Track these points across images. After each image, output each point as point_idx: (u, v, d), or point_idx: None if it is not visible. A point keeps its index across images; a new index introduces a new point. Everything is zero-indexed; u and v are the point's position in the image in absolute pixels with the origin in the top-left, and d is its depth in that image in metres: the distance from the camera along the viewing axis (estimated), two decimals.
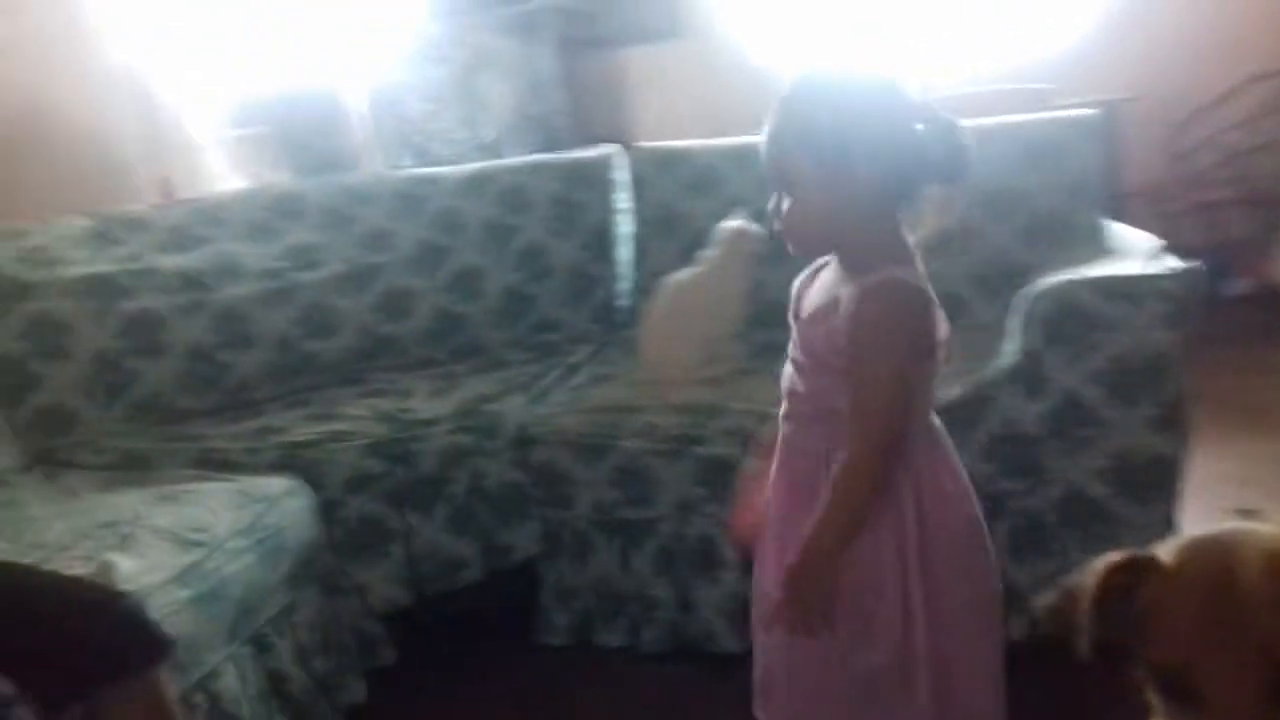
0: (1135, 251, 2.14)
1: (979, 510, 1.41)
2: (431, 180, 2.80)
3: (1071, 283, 1.89)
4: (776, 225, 1.35)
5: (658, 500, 2.10)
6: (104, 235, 2.39)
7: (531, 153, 3.36)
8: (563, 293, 2.70)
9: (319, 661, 1.96)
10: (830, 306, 1.32)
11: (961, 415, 1.92)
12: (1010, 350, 1.95)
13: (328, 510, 2.06)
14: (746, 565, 1.60)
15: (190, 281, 2.41)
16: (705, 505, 2.07)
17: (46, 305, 2.24)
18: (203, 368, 2.38)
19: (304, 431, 2.18)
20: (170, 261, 2.41)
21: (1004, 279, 2.35)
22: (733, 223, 2.27)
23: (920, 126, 1.30)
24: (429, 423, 2.20)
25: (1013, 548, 1.94)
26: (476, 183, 2.77)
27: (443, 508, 2.17)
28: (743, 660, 1.53)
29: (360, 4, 3.24)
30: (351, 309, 2.57)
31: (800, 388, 1.39)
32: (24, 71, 2.55)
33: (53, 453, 2.20)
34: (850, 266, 1.33)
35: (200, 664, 1.69)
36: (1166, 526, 1.88)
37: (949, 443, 1.41)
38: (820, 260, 1.41)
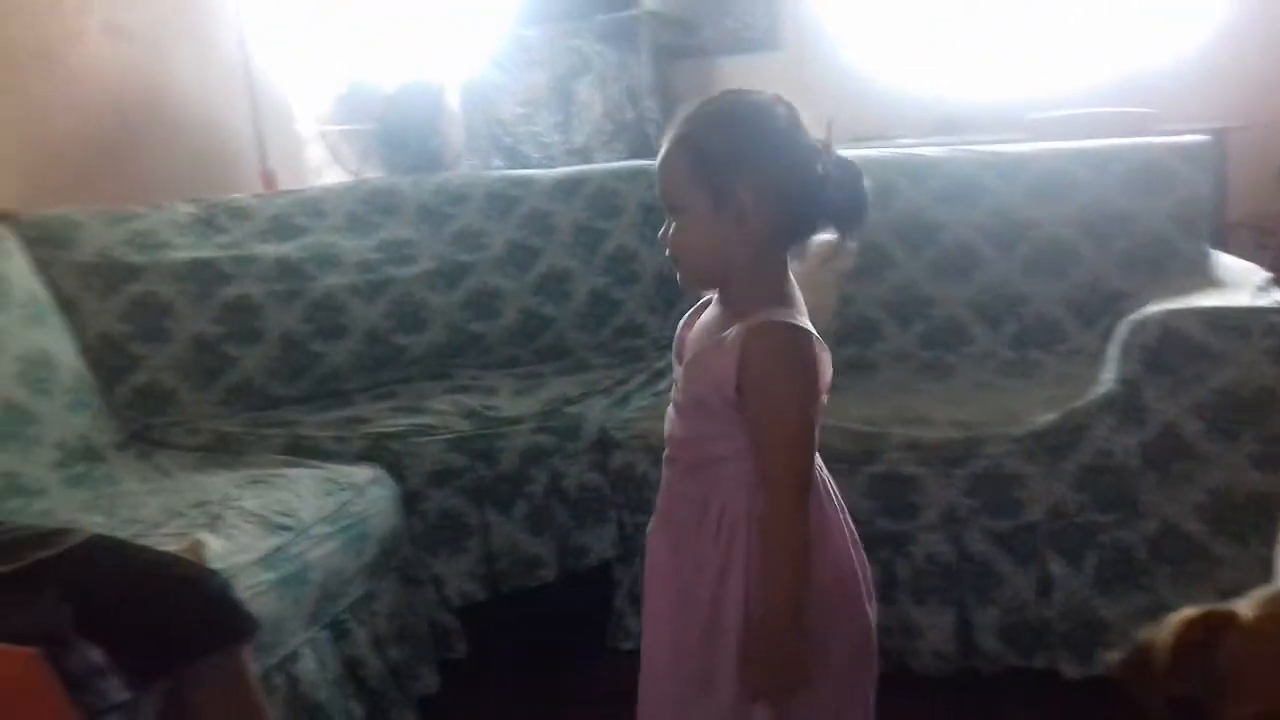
0: (1241, 283, 2.08)
1: (859, 554, 1.36)
2: (524, 182, 2.82)
3: (1177, 312, 1.84)
4: (665, 250, 1.31)
5: None
6: (208, 222, 2.45)
7: (620, 159, 3.37)
8: (649, 298, 2.71)
9: (394, 650, 1.98)
10: (714, 348, 1.27)
11: (1052, 443, 1.89)
12: (1107, 378, 1.90)
13: (409, 502, 2.09)
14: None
15: (288, 270, 2.46)
16: None
17: (151, 288, 2.30)
18: (295, 355, 2.43)
19: (390, 423, 2.21)
20: (270, 250, 2.47)
21: (1101, 305, 2.31)
22: (823, 235, 2.25)
23: (820, 169, 1.27)
24: (512, 421, 2.22)
25: (1099, 580, 1.90)
26: (569, 186, 2.79)
27: (522, 506, 2.18)
28: None
29: (462, 7, 3.29)
30: (441, 305, 2.61)
31: (679, 432, 1.35)
32: (146, 60, 2.63)
33: (148, 431, 2.26)
34: (733, 305, 1.30)
35: (281, 646, 1.72)
36: (1264, 568, 1.81)
37: (834, 489, 1.37)
38: (706, 297, 1.37)
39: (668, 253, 1.32)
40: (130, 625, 1.42)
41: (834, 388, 2.06)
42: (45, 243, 2.25)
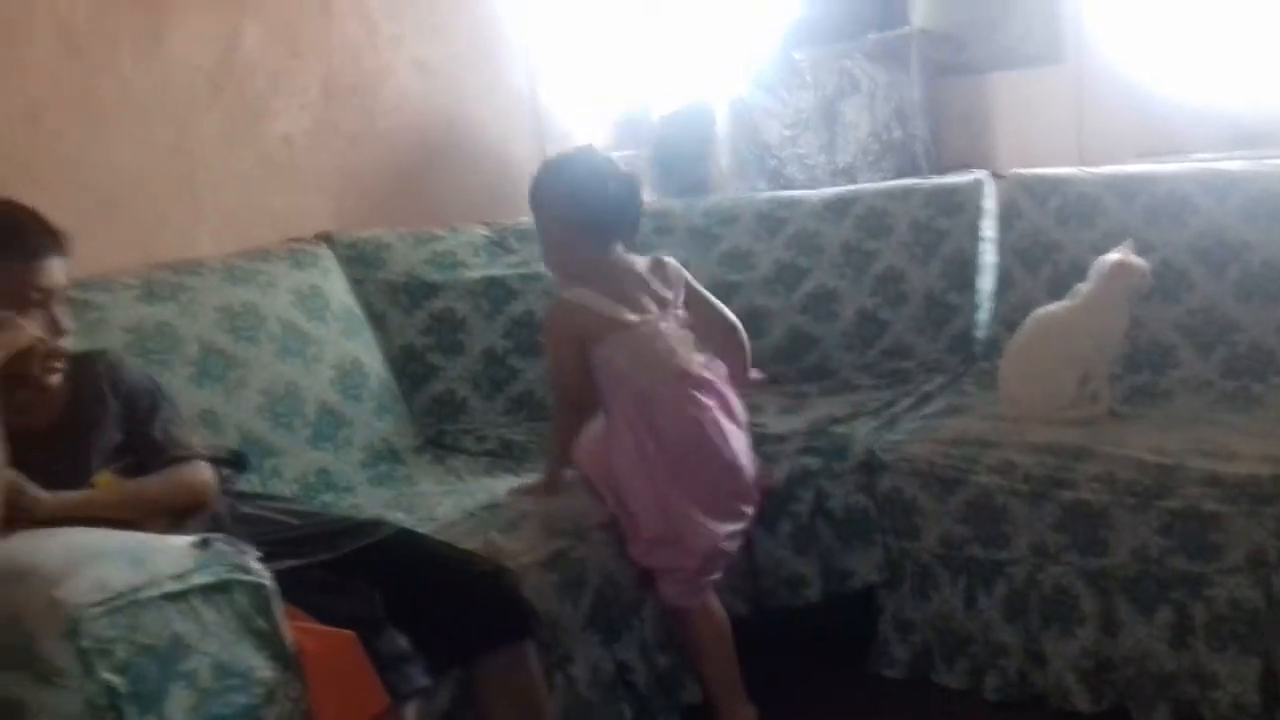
0: None
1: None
2: (792, 203, 2.84)
3: None
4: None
5: (1011, 542, 2.02)
6: (499, 243, 2.62)
7: (886, 178, 3.32)
8: (919, 320, 2.66)
9: (661, 658, 2.04)
10: None
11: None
12: None
13: None
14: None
15: None
16: (1065, 553, 1.96)
17: (449, 304, 2.47)
18: None
19: None
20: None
21: (1215, 332, 2.24)
22: (1114, 255, 2.15)
23: (611, 186, 1.97)
24: (779, 439, 2.24)
25: None
26: (838, 206, 2.78)
27: (786, 524, 2.19)
28: None
29: (733, 33, 3.35)
30: None
31: None
32: (446, 92, 2.84)
33: (442, 436, 2.43)
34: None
35: (559, 646, 1.81)
36: None
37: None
38: None
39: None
40: (432, 615, 1.53)
41: (1117, 416, 2.11)
42: (358, 262, 2.47)
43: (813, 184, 3.34)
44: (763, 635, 2.20)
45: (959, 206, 2.70)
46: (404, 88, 2.76)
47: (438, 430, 2.43)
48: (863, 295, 2.68)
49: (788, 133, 3.55)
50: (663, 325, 1.98)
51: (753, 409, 2.40)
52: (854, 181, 3.32)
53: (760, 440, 2.23)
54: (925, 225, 2.71)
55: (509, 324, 2.49)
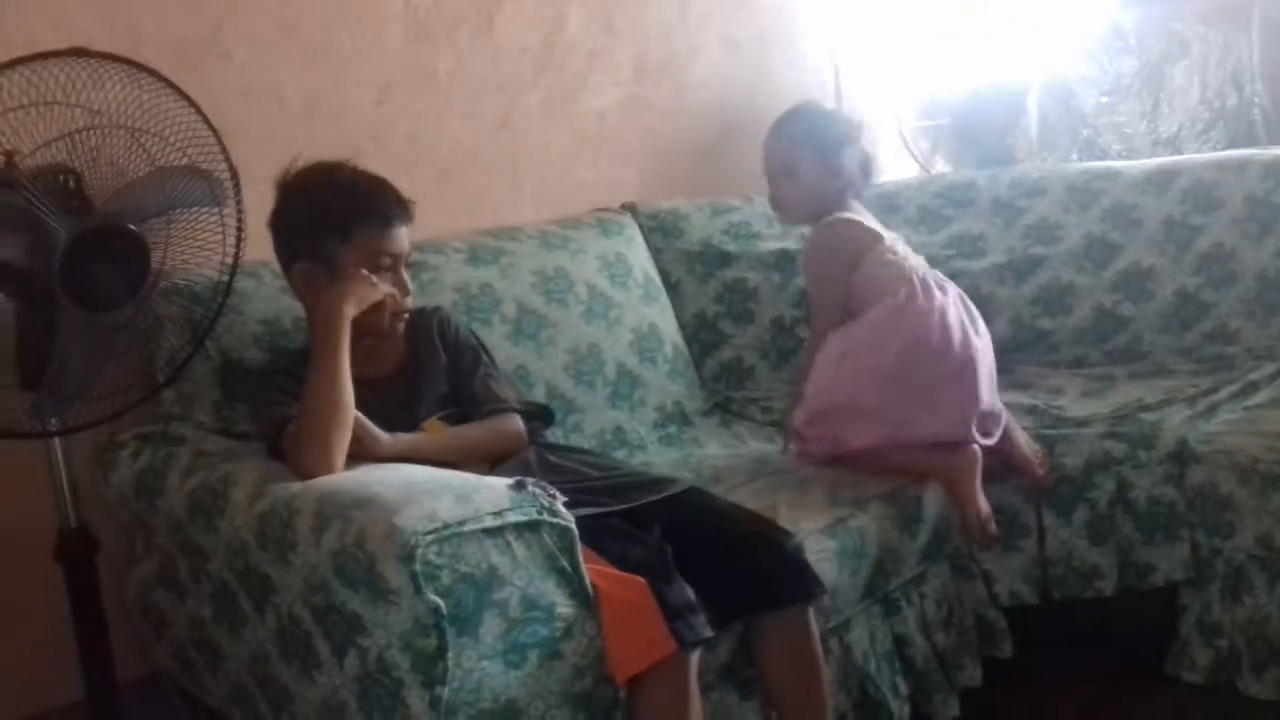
0: None
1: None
2: (1109, 174, 2.69)
3: None
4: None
5: None
6: None
7: (1216, 149, 3.07)
8: (1248, 302, 2.45)
9: (941, 636, 2.02)
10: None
11: None
12: None
13: None
14: None
15: None
16: None
17: (741, 274, 2.54)
18: None
19: None
20: None
21: None
22: None
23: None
24: (1080, 423, 2.14)
25: None
26: (1160, 178, 2.60)
27: (1083, 512, 2.10)
28: None
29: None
30: (1008, 299, 2.58)
31: None
32: (750, 67, 2.91)
33: (729, 403, 2.50)
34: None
35: (837, 613, 1.83)
36: None
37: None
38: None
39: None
40: (718, 571, 1.60)
41: None
42: (659, 231, 2.58)
43: (1130, 155, 3.14)
44: (1051, 627, 2.14)
45: None
46: (712, 64, 2.84)
47: (725, 396, 2.51)
48: (1184, 274, 2.51)
49: (1105, 100, 3.35)
50: (900, 244, 2.17)
51: (1052, 391, 2.33)
52: (1178, 152, 3.09)
53: (1059, 422, 2.16)
54: (1262, 200, 2.49)
55: (798, 294, 2.52)
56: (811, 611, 1.70)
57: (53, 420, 1.66)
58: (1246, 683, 1.99)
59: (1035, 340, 2.56)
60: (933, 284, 2.10)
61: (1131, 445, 2.09)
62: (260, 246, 1.81)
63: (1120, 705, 2.06)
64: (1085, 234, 2.60)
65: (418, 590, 1.30)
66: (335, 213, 1.72)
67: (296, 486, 1.50)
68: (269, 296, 1.93)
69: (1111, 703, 2.07)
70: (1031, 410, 2.21)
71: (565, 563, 1.44)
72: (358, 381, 1.63)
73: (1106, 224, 2.59)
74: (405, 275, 1.78)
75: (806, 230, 2.25)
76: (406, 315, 1.80)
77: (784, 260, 2.55)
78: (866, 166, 2.20)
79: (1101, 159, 3.12)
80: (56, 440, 1.73)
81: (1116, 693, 2.08)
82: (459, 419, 1.82)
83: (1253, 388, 2.24)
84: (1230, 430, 2.05)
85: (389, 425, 1.69)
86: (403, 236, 1.76)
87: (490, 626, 1.37)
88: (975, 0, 2.99)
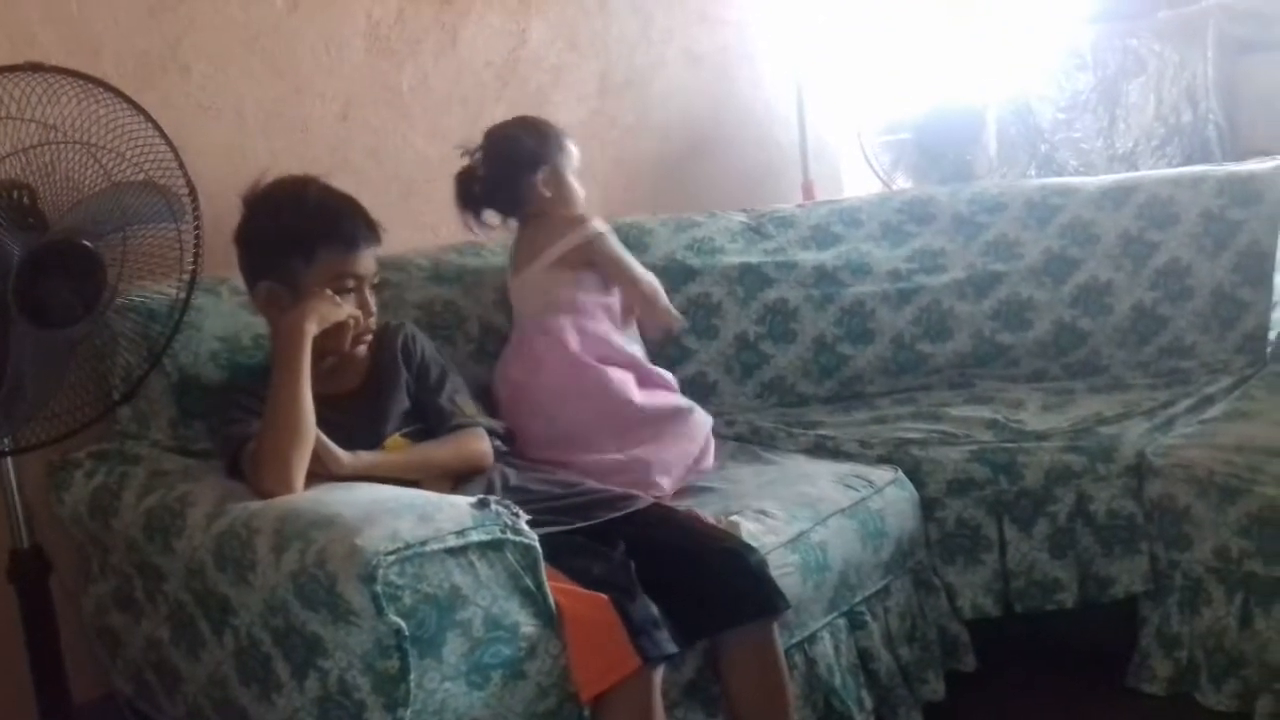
0: None
1: None
2: (1067, 190, 2.72)
3: None
4: None
5: None
6: (756, 230, 2.65)
7: (1171, 165, 3.12)
8: (1203, 316, 2.49)
9: (905, 650, 2.03)
10: None
11: None
12: None
13: (927, 508, 2.11)
14: None
15: (824, 276, 2.59)
16: None
17: (705, 289, 2.53)
18: (824, 357, 2.55)
19: (911, 429, 2.26)
20: (808, 256, 2.61)
21: None
22: None
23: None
24: (1039, 436, 2.16)
25: None
26: (1117, 194, 2.64)
27: (1044, 525, 2.12)
28: None
29: (1009, 16, 3.23)
30: (969, 314, 2.60)
31: None
32: (713, 82, 2.93)
33: None
34: None
35: (802, 627, 1.84)
36: None
37: None
38: None
39: None
40: (681, 586, 1.60)
41: None
42: (626, 246, 2.57)
43: (1087, 170, 3.19)
44: (1013, 639, 2.15)
45: (1257, 195, 2.51)
46: (675, 79, 2.85)
47: None
48: (1141, 289, 2.54)
49: (1062, 116, 3.39)
50: None
51: (1012, 405, 2.34)
52: (1134, 168, 3.14)
53: (1018, 436, 2.17)
54: (1217, 215, 2.53)
55: (762, 310, 2.53)
56: (775, 626, 1.70)
57: (5, 440, 1.63)
58: (1206, 694, 2.01)
59: (995, 355, 2.59)
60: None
61: (1090, 459, 2.11)
62: (218, 262, 1.79)
63: (1082, 717, 2.08)
64: (1044, 249, 2.63)
65: (379, 611, 1.29)
66: (300, 233, 1.71)
67: (255, 506, 1.49)
68: (227, 313, 1.91)
69: (1073, 715, 2.09)
70: (992, 424, 2.23)
71: (529, 581, 1.44)
72: (319, 399, 1.61)
73: (1065, 239, 2.62)
74: (370, 297, 1.77)
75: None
76: (369, 337, 1.78)
77: (748, 275, 2.55)
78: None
79: (1059, 174, 3.16)
80: (9, 459, 1.70)
81: (1078, 705, 2.10)
82: (422, 435, 1.81)
83: (1208, 401, 2.27)
84: (1187, 443, 2.07)
85: (351, 442, 1.67)
86: (368, 258, 1.75)
87: (453, 647, 1.36)
88: (936, 18, 3.02)
